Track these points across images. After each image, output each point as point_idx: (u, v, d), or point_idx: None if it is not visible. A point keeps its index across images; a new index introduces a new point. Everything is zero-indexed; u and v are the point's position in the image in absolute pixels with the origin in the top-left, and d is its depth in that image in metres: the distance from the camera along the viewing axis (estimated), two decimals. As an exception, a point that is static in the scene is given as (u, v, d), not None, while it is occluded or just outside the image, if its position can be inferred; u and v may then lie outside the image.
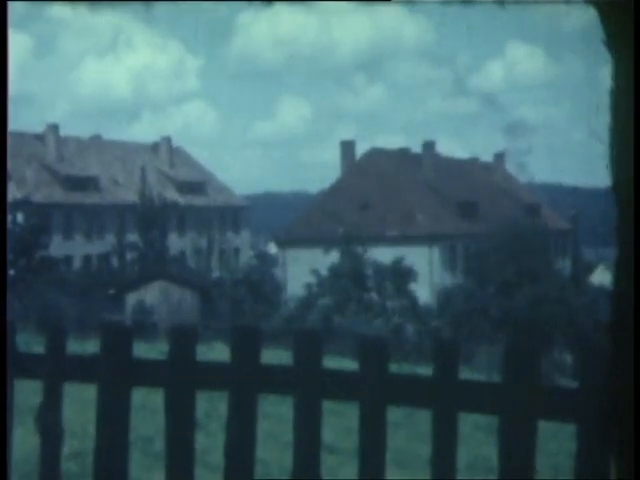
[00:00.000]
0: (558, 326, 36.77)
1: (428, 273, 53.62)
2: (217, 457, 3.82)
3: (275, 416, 5.83)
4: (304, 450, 3.59)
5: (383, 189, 62.00)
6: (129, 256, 56.54)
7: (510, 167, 78.93)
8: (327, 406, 3.58)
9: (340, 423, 5.87)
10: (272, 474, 6.46)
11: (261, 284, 42.10)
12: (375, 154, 66.04)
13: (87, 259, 61.65)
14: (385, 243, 52.91)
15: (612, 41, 2.88)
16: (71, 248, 62.25)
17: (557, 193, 78.25)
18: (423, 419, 3.70)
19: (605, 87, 2.88)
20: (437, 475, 3.43)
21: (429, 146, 68.44)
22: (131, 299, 33.61)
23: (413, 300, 39.19)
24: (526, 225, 47.40)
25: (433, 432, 3.45)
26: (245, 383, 3.67)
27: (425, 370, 3.64)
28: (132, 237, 58.12)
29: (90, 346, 4.41)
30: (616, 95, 2.87)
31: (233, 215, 78.26)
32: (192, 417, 3.78)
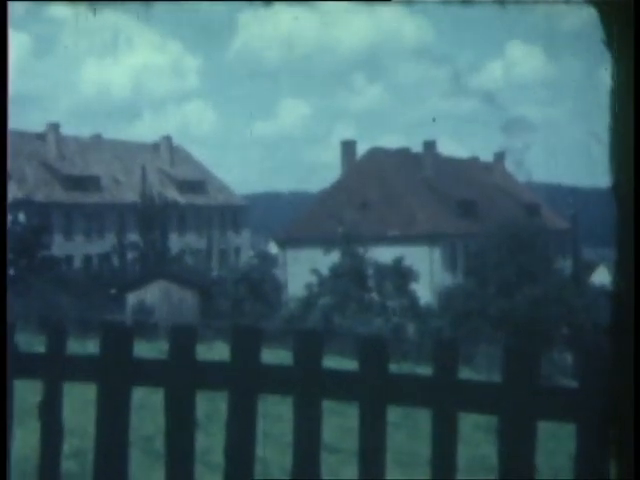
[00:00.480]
0: (558, 326, 36.76)
1: (428, 273, 53.60)
2: (217, 457, 3.82)
3: (275, 416, 5.83)
4: (304, 450, 3.60)
5: (383, 189, 61.99)
6: (130, 255, 56.54)
7: (508, 165, 78.90)
8: (327, 406, 3.58)
9: (340, 423, 5.86)
10: (272, 474, 6.46)
11: (261, 284, 42.11)
12: (375, 154, 65.99)
13: (87, 259, 61.61)
14: (385, 243, 52.88)
15: (612, 41, 2.88)
16: (71, 248, 62.21)
17: (556, 193, 78.17)
18: (423, 419, 3.70)
19: (604, 87, 2.88)
20: (437, 475, 3.44)
21: (429, 145, 68.37)
22: (131, 299, 33.63)
23: (413, 300, 39.19)
24: (526, 225, 47.34)
25: (433, 432, 3.45)
26: (245, 383, 3.67)
27: (425, 370, 3.64)
28: (133, 236, 58.13)
29: (90, 346, 4.41)
30: (616, 95, 2.87)
31: (233, 214, 78.21)
32: (192, 417, 3.78)
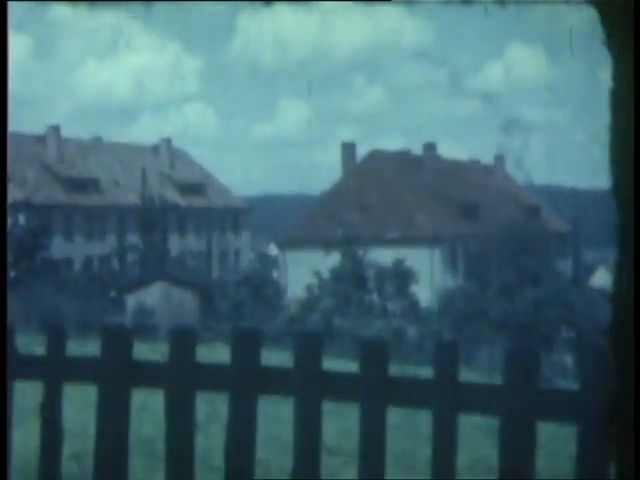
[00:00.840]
0: (558, 328, 36.77)
1: (429, 275, 53.61)
2: (217, 459, 3.82)
3: (275, 418, 5.83)
4: (304, 451, 3.59)
5: (384, 191, 62.01)
6: (130, 257, 56.56)
7: (507, 165, 78.92)
8: (327, 407, 3.58)
9: (340, 425, 5.87)
10: (272, 475, 6.46)
11: (262, 286, 42.11)
12: (376, 156, 66.03)
13: (88, 261, 61.63)
14: (386, 245, 52.88)
15: (612, 41, 2.87)
16: (72, 250, 62.23)
17: (557, 195, 78.20)
18: (423, 420, 3.70)
19: (605, 88, 2.88)
20: (437, 476, 3.43)
21: (430, 148, 68.41)
22: (132, 300, 33.63)
23: (414, 302, 39.19)
24: (526, 227, 47.38)
25: (433, 433, 3.44)
26: (245, 385, 3.67)
27: (426, 372, 3.64)
28: (133, 238, 58.16)
29: (90, 347, 4.41)
30: (616, 96, 2.87)
31: (233, 217, 78.25)
32: (192, 418, 3.77)
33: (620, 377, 2.93)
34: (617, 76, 2.85)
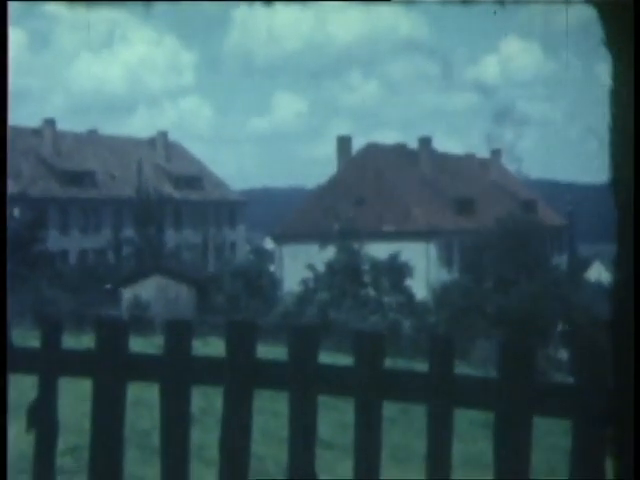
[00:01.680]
0: (554, 322, 36.82)
1: (425, 269, 53.63)
2: (212, 452, 3.82)
3: (270, 411, 5.84)
4: (299, 445, 3.59)
5: (379, 184, 62.00)
6: (125, 250, 56.54)
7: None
8: (322, 401, 3.58)
9: (336, 418, 5.87)
10: (267, 469, 6.47)
11: (257, 279, 42.12)
12: (371, 149, 66.02)
13: (83, 254, 61.61)
14: (381, 238, 52.90)
15: (612, 40, 2.87)
16: (67, 243, 62.21)
17: (553, 189, 78.25)
18: (418, 414, 3.70)
19: (602, 84, 2.88)
20: (432, 470, 3.43)
21: (425, 141, 68.44)
22: (127, 294, 33.64)
23: (409, 296, 39.21)
24: (522, 221, 47.38)
25: (428, 427, 3.44)
26: (240, 378, 3.66)
27: (421, 366, 3.63)
28: (128, 232, 58.13)
29: (86, 341, 4.41)
30: (615, 94, 2.87)
31: (229, 210, 78.24)
32: (187, 412, 3.77)
33: (616, 371, 2.93)
34: (616, 75, 2.85)
